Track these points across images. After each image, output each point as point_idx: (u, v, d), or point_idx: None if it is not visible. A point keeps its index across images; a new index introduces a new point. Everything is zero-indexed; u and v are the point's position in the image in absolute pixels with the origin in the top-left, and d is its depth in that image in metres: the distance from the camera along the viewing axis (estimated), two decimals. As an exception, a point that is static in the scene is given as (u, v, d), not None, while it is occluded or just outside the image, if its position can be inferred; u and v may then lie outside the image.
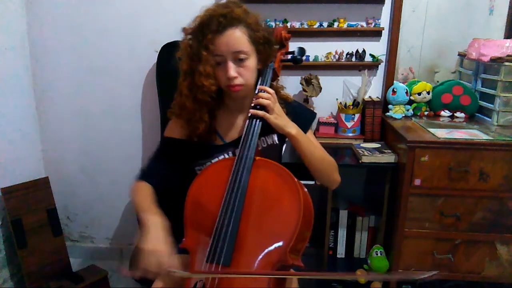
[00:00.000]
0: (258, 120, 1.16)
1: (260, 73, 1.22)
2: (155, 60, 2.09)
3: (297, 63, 1.34)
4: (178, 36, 2.02)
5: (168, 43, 2.03)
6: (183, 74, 1.16)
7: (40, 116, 2.29)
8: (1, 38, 2.00)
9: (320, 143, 1.29)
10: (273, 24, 2.08)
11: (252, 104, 1.17)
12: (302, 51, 1.36)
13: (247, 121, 1.17)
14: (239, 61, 1.12)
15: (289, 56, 1.35)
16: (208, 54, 1.10)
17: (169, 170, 1.24)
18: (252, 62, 1.15)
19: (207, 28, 1.09)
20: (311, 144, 1.21)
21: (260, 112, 1.14)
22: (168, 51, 2.03)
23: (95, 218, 2.45)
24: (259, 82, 1.21)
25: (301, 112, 1.30)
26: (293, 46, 1.38)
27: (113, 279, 2.14)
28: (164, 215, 1.07)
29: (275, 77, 1.27)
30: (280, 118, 1.15)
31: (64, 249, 2.15)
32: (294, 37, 1.39)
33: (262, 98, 1.14)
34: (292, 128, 1.16)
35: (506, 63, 1.84)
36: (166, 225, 1.04)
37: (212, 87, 1.13)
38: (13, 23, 2.08)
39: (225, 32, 1.10)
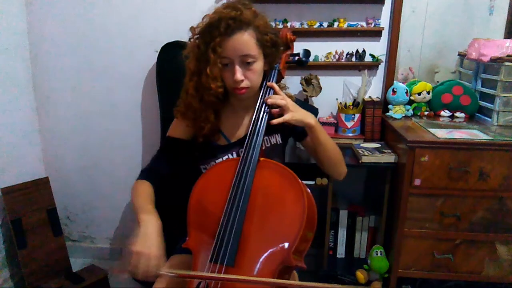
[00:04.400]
0: (263, 121, 1.16)
1: (266, 74, 1.22)
2: (155, 60, 2.08)
3: (302, 65, 1.33)
4: (178, 36, 2.04)
5: (168, 43, 2.03)
6: (190, 74, 1.16)
7: (40, 116, 2.28)
8: (1, 38, 1.99)
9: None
10: (273, 24, 2.08)
11: (263, 104, 1.17)
12: (307, 53, 1.36)
13: (252, 122, 1.17)
14: (246, 64, 1.12)
15: (294, 58, 1.35)
16: (216, 56, 1.09)
17: (172, 170, 1.24)
18: (259, 65, 1.15)
19: (215, 30, 1.08)
20: (326, 134, 1.22)
21: (281, 119, 1.13)
22: (168, 51, 2.02)
23: (95, 218, 2.45)
24: (265, 82, 1.21)
25: (304, 108, 1.30)
26: (293, 46, 1.39)
27: (113, 279, 2.14)
28: (159, 216, 1.07)
29: (280, 78, 1.27)
30: (297, 113, 1.15)
31: (64, 249, 2.15)
32: (294, 37, 1.39)
33: (275, 99, 1.14)
34: (311, 118, 1.16)
35: (506, 63, 1.84)
36: (160, 226, 1.03)
37: (219, 89, 1.13)
38: (13, 23, 2.07)
39: (233, 36, 1.09)
